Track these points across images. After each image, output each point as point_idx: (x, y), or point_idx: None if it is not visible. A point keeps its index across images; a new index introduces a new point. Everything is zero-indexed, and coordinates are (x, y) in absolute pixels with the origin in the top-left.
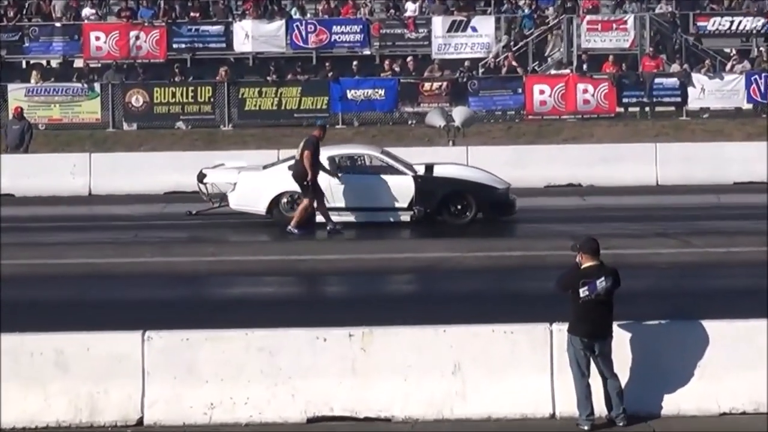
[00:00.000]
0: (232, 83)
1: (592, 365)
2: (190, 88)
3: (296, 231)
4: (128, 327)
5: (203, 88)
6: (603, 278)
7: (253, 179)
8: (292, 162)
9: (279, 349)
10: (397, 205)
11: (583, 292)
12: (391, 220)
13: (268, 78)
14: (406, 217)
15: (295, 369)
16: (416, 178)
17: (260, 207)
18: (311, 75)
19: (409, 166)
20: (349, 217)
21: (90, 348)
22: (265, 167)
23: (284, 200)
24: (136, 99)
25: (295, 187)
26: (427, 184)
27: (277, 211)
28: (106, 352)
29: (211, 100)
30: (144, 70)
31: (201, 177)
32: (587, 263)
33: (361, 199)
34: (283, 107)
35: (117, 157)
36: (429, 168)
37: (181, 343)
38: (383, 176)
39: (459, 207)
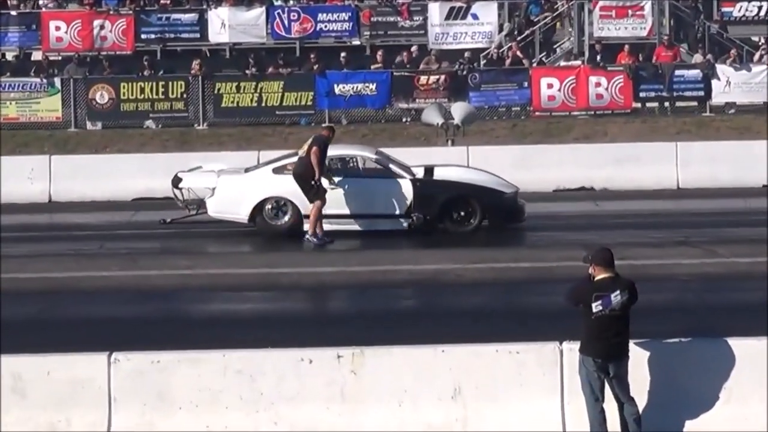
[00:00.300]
0: (206, 77)
1: (607, 388)
2: (161, 83)
3: (316, 240)
4: (93, 348)
5: (175, 82)
6: (618, 292)
7: (233, 183)
8: (276, 164)
9: (260, 372)
10: (393, 211)
11: (596, 307)
12: (388, 228)
13: (247, 71)
14: (403, 224)
15: (278, 394)
16: (415, 181)
17: (242, 214)
18: (294, 68)
19: (407, 169)
20: (341, 226)
21: (50, 372)
22: (247, 170)
23: (268, 206)
24: (101, 95)
25: (281, 191)
26: (426, 188)
27: (261, 219)
28: (68, 377)
29: (184, 96)
30: (109, 63)
31: (176, 181)
32: (600, 275)
33: (353, 206)
34: (263, 104)
35: (80, 159)
36: (429, 170)
37: (152, 365)
38: (378, 180)
39: (462, 213)
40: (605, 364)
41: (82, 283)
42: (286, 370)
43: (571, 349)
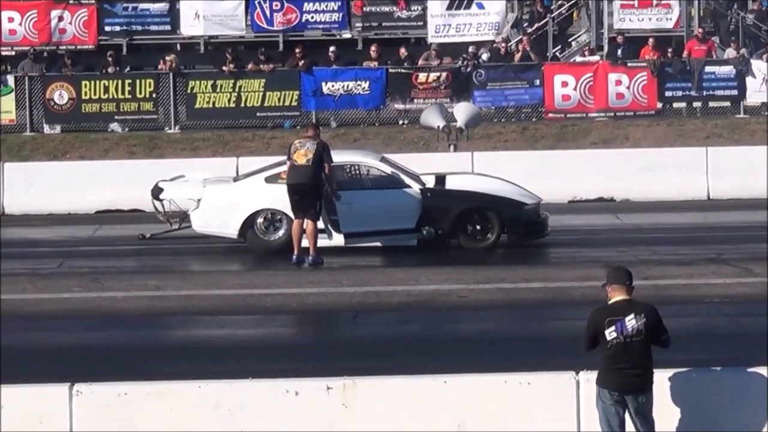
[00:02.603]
0: (178, 74)
1: (629, 424)
2: (127, 82)
3: (318, 260)
4: (52, 379)
5: (143, 81)
6: (632, 315)
7: (221, 194)
8: (269, 173)
9: (239, 406)
10: (401, 226)
11: (609, 333)
12: (395, 244)
13: (224, 68)
14: (412, 240)
15: (260, 430)
16: (425, 191)
17: (231, 229)
18: (277, 64)
19: (416, 178)
20: (339, 242)
21: (5, 406)
22: (236, 179)
23: (261, 220)
24: (60, 95)
25: (275, 203)
26: (438, 199)
27: (252, 234)
28: (25, 411)
29: (153, 95)
30: (69, 59)
31: (156, 192)
32: (615, 297)
33: (355, 220)
34: (242, 104)
35: (36, 167)
36: (440, 179)
37: (118, 398)
38: (385, 191)
39: (479, 227)
40: (623, 397)
41: (38, 307)
42: (268, 404)
43: (589, 379)
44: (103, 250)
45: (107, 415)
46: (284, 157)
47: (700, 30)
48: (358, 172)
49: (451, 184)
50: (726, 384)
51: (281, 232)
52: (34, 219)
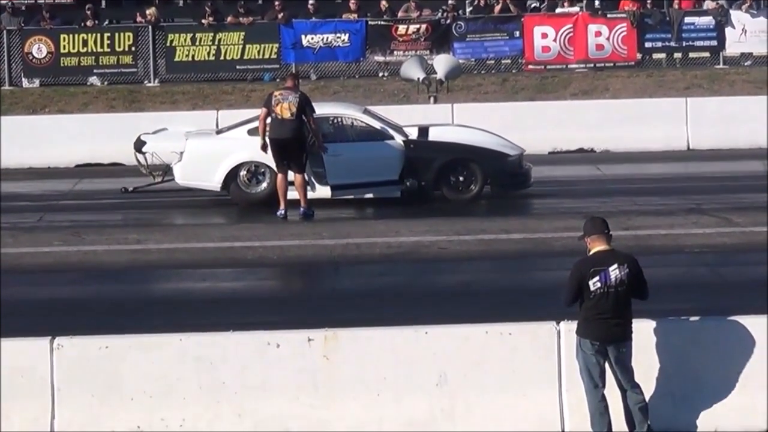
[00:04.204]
0: (157, 28)
1: (609, 374)
2: (106, 35)
3: (309, 212)
4: (33, 333)
5: (122, 34)
6: (615, 266)
7: (204, 147)
8: (252, 125)
9: (221, 359)
10: (384, 178)
11: (593, 284)
12: (378, 196)
13: (204, 21)
14: (396, 192)
15: (242, 383)
16: (408, 143)
17: (214, 181)
18: (257, 17)
19: (399, 130)
20: (324, 194)
21: None
22: (219, 132)
23: (244, 172)
24: (39, 49)
25: (258, 155)
26: (421, 150)
27: (235, 187)
28: (5, 365)
29: (132, 49)
30: (48, 12)
31: (139, 145)
32: (596, 248)
33: (341, 172)
34: (222, 57)
35: (15, 121)
36: (423, 131)
37: (99, 352)
38: (368, 143)
39: (461, 179)
40: (604, 347)
41: (19, 261)
42: (250, 356)
43: (570, 330)
44: (83, 203)
45: (89, 368)
46: (262, 110)
47: None
48: (341, 123)
49: (434, 135)
50: (706, 333)
51: (264, 185)
52: (13, 173)
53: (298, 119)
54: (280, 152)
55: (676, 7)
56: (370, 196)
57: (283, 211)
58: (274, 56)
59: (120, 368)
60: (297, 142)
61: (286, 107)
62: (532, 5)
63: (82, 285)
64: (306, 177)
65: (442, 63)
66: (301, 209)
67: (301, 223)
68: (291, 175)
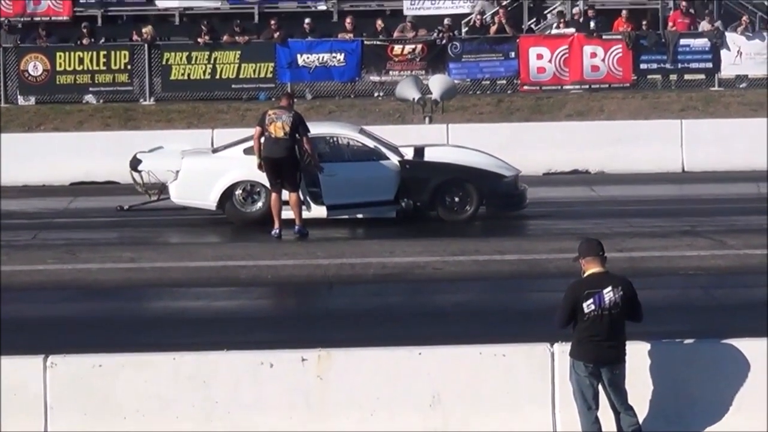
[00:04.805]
0: (153, 46)
1: (602, 396)
2: (102, 53)
3: (304, 230)
4: (26, 351)
5: (118, 52)
6: (610, 288)
7: (200, 166)
8: (248, 144)
9: (214, 378)
10: (380, 198)
11: (587, 306)
12: (373, 216)
13: (199, 40)
14: (391, 212)
15: (235, 402)
16: (404, 163)
17: (209, 200)
18: (253, 36)
19: (395, 150)
20: (319, 214)
21: None
22: (214, 151)
23: (239, 191)
24: (35, 66)
25: (253, 175)
26: (417, 170)
27: (231, 206)
28: None
29: (128, 67)
30: (44, 30)
31: (135, 163)
32: (590, 270)
33: (337, 192)
34: (217, 76)
35: (10, 139)
36: (419, 151)
37: (93, 370)
38: (363, 163)
39: (457, 199)
40: (597, 369)
41: (13, 279)
42: (243, 375)
43: (564, 351)
44: (78, 221)
45: (82, 387)
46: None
47: (684, 3)
48: (337, 143)
49: (430, 155)
50: (700, 356)
51: (260, 204)
52: (8, 191)
53: (292, 138)
54: (273, 171)
55: (671, 28)
56: (365, 216)
57: (277, 231)
58: (269, 75)
59: (113, 386)
60: (290, 161)
61: (279, 126)
62: (528, 26)
63: (76, 303)
64: (300, 196)
65: (437, 83)
66: (296, 227)
67: (295, 243)
68: (285, 194)
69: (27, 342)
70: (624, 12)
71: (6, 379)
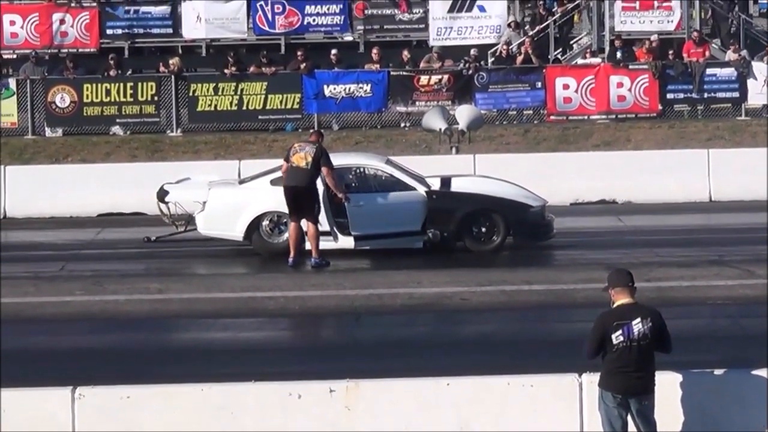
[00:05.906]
0: (180, 78)
1: (631, 426)
2: (129, 85)
3: (322, 262)
4: (55, 383)
5: (145, 84)
6: (639, 319)
7: (227, 197)
8: (274, 175)
9: (243, 409)
10: (406, 228)
11: (616, 337)
12: (400, 247)
13: (226, 71)
14: (418, 242)
15: None
16: (431, 194)
17: (236, 231)
18: (279, 67)
19: (421, 180)
20: (346, 244)
21: (7, 409)
22: (241, 182)
23: (265, 222)
24: (62, 98)
25: (280, 206)
26: (444, 201)
27: (258, 237)
28: (27, 415)
29: (155, 98)
30: (71, 62)
31: (162, 195)
32: (620, 300)
33: (364, 222)
34: (244, 107)
35: (38, 170)
36: (446, 182)
37: (121, 401)
38: (390, 194)
39: (484, 229)
40: (626, 399)
41: (41, 310)
42: (271, 406)
43: (592, 381)
44: (105, 253)
45: (110, 418)
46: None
47: (696, 33)
48: (364, 174)
49: (457, 186)
50: (728, 385)
51: (286, 235)
52: (35, 222)
53: (313, 169)
54: (292, 200)
55: (690, 59)
56: (392, 246)
57: (292, 260)
58: (296, 106)
59: (141, 418)
60: (308, 192)
61: (302, 156)
62: (555, 56)
63: (104, 334)
64: (318, 227)
65: (464, 114)
66: (312, 259)
67: (322, 274)
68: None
69: (55, 373)
70: (646, 42)
71: (35, 411)
